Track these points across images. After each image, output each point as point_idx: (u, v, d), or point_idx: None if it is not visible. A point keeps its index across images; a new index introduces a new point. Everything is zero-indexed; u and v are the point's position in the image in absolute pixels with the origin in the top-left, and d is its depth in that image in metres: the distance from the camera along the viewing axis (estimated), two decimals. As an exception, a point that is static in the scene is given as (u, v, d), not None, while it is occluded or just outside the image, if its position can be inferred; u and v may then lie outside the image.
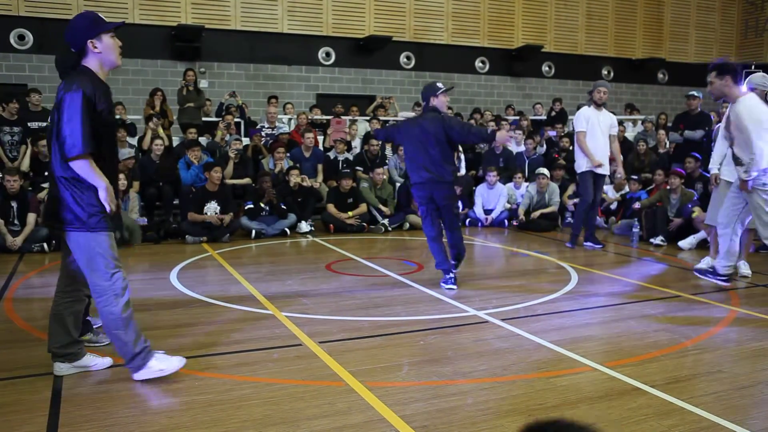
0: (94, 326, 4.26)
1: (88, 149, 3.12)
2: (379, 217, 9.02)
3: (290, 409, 3.06)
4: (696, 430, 2.87)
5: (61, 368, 3.48)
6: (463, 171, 10.43)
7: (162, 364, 3.39)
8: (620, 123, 11.95)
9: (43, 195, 7.80)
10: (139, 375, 3.39)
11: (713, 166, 6.05)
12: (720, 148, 5.93)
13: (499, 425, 2.90)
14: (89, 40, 3.22)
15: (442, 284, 5.56)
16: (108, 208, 3.23)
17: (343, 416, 2.98)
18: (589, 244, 7.59)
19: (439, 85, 5.77)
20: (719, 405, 3.11)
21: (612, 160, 7.62)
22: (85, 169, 3.15)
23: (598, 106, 7.31)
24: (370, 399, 3.16)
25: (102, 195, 3.20)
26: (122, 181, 7.83)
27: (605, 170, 7.44)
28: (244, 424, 2.91)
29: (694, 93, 9.38)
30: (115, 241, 3.36)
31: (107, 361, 3.62)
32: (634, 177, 9.08)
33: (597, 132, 7.25)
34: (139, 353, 3.36)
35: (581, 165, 7.33)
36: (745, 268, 6.05)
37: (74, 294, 3.47)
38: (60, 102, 3.13)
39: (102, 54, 3.25)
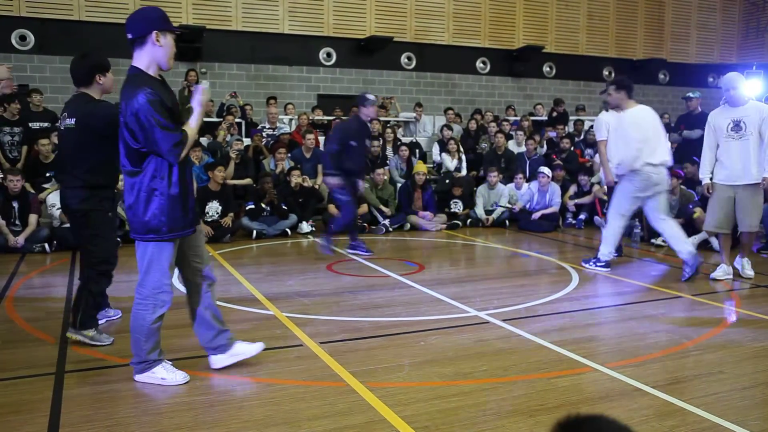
0: (100, 321, 4.29)
1: (181, 133, 3.14)
2: (380, 218, 9.02)
3: (291, 410, 3.06)
4: (697, 431, 2.87)
5: (218, 360, 3.53)
6: (464, 171, 10.44)
7: (167, 374, 3.38)
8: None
9: (44, 195, 7.81)
10: (141, 377, 3.40)
11: (704, 175, 5.99)
12: (708, 155, 5.90)
13: (501, 426, 2.90)
14: (156, 31, 3.15)
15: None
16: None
17: (344, 417, 2.98)
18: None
19: (369, 96, 6.96)
20: (720, 406, 3.11)
21: None
22: (190, 140, 3.19)
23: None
24: (371, 399, 3.16)
25: (198, 98, 3.31)
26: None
27: None
28: (245, 425, 2.91)
29: (691, 95, 9.35)
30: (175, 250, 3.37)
31: (258, 346, 3.64)
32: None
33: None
34: (147, 361, 3.37)
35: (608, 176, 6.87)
36: (748, 269, 6.02)
37: (197, 288, 3.49)
38: (135, 115, 3.07)
39: (162, 50, 3.19)
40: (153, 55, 3.19)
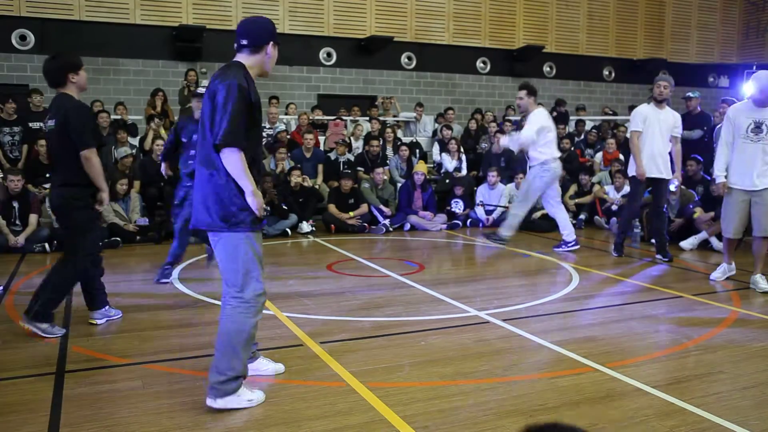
0: (100, 321, 4.35)
1: (240, 143, 2.95)
2: (380, 218, 9.02)
3: (291, 410, 3.06)
4: (697, 431, 2.86)
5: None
6: (464, 171, 10.44)
7: (251, 394, 3.13)
8: (621, 124, 12.00)
9: (44, 195, 7.80)
10: (224, 402, 3.03)
11: (719, 173, 5.61)
12: (725, 152, 5.56)
13: (501, 426, 2.89)
14: (272, 43, 3.18)
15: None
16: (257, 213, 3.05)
17: (344, 417, 2.98)
18: (659, 257, 6.90)
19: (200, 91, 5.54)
20: (721, 406, 3.11)
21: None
22: (236, 162, 2.95)
23: (659, 103, 6.70)
24: (372, 399, 3.16)
25: (250, 200, 3.00)
26: (124, 186, 7.85)
27: (663, 173, 6.66)
28: (245, 425, 2.91)
29: (690, 94, 9.33)
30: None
31: (279, 367, 3.52)
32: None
33: (655, 132, 6.61)
34: (237, 378, 3.07)
35: (632, 169, 6.75)
36: (762, 283, 5.55)
37: None
38: (215, 92, 2.99)
39: (269, 60, 3.20)
40: (262, 61, 3.19)
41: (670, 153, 6.78)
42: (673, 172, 6.84)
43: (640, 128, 6.66)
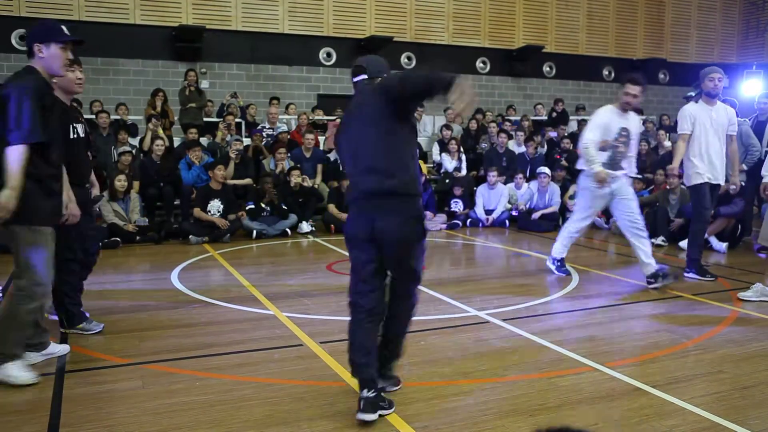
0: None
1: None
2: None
3: (291, 410, 3.06)
4: (697, 431, 2.86)
5: (30, 357, 3.56)
6: (464, 171, 10.44)
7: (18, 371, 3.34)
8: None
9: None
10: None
11: (765, 172, 5.13)
12: None
13: (501, 425, 2.89)
14: (43, 44, 3.34)
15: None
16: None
17: (344, 417, 2.98)
18: (691, 274, 6.03)
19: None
20: (720, 405, 3.11)
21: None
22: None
23: (711, 98, 5.80)
24: (371, 399, 3.15)
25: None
26: (122, 182, 7.85)
27: (720, 180, 5.89)
28: (244, 425, 2.91)
29: (692, 94, 9.31)
30: None
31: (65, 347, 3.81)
32: (638, 176, 9.06)
33: (708, 132, 5.76)
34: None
35: (690, 176, 5.84)
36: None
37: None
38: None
39: (48, 61, 3.36)
40: (43, 65, 3.39)
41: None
42: (729, 174, 6.09)
43: (688, 130, 5.80)
